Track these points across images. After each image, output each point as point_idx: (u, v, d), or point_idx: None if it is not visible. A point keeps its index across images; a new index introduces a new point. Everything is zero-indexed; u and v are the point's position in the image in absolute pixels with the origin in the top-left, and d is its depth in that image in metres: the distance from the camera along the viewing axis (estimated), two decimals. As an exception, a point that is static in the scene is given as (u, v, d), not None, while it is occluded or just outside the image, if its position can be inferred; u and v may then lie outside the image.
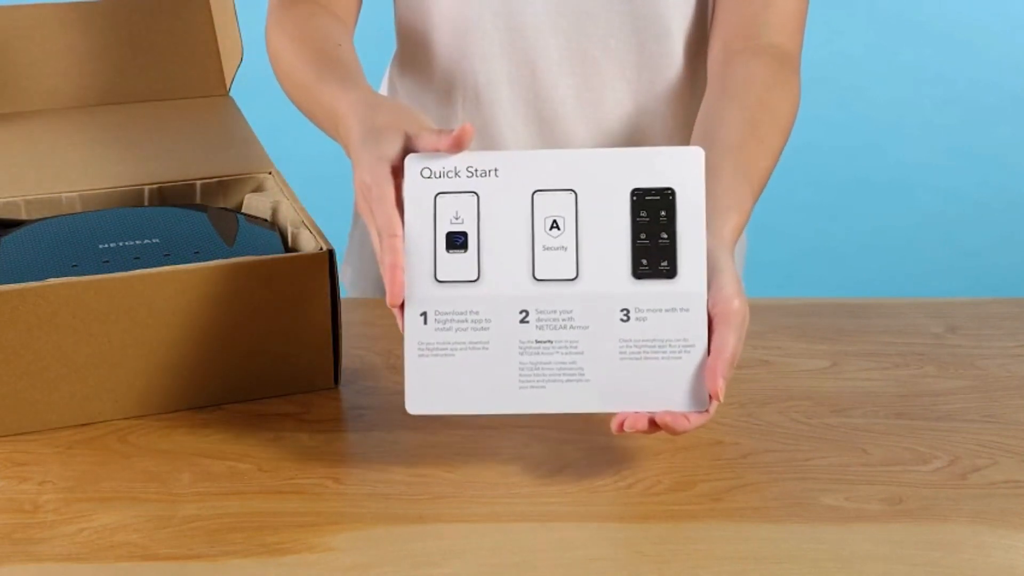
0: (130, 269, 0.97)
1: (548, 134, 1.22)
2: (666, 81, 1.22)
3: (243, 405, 1.02)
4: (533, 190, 0.90)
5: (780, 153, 1.10)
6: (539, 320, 0.89)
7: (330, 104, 1.01)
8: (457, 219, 0.90)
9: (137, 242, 1.03)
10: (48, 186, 1.12)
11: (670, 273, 0.89)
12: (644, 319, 0.89)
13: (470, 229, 0.90)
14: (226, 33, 1.32)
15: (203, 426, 0.99)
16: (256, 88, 1.61)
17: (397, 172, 0.90)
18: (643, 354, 0.89)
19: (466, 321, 0.90)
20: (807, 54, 1.24)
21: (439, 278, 0.89)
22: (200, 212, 1.08)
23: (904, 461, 0.96)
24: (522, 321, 0.90)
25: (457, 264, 0.90)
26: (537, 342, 0.89)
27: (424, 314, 0.89)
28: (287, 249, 1.05)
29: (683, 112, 1.23)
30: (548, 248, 0.90)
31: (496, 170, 0.90)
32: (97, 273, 0.96)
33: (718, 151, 1.04)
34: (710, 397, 0.88)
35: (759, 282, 1.48)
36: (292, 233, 1.05)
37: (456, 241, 0.90)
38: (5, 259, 1.00)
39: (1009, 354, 1.11)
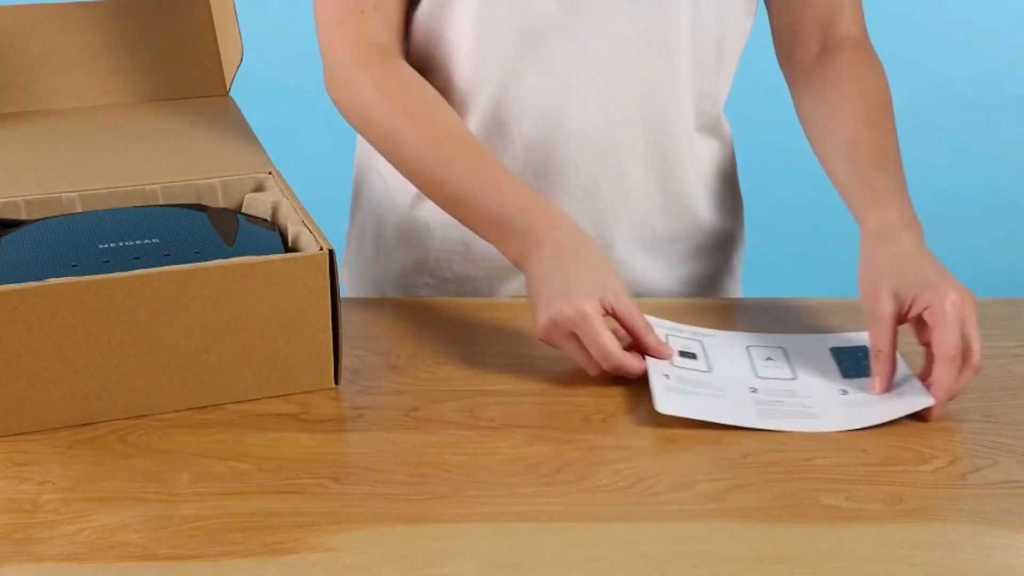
0: (130, 269, 0.96)
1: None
2: (677, 65, 1.21)
3: (243, 405, 1.02)
4: (747, 345, 1.10)
5: (895, 126, 1.16)
6: (768, 392, 1.04)
7: (508, 210, 1.08)
8: (686, 348, 1.08)
9: (137, 242, 1.03)
10: (48, 186, 1.12)
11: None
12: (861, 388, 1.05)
13: (698, 353, 1.08)
14: (226, 33, 1.32)
15: (203, 426, 0.99)
16: (256, 88, 1.61)
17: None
18: (865, 402, 1.03)
19: (701, 385, 1.03)
20: (806, 54, 1.25)
21: (675, 364, 1.05)
22: (200, 212, 1.08)
23: (904, 461, 0.96)
24: (752, 391, 1.04)
25: (690, 364, 1.06)
26: (769, 401, 1.02)
27: (667, 375, 1.03)
28: (287, 249, 1.05)
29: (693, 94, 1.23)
30: (766, 363, 1.08)
31: (714, 335, 1.11)
32: (97, 273, 0.96)
33: (838, 154, 1.13)
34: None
35: (759, 282, 1.48)
36: (292, 233, 1.05)
37: (687, 353, 1.07)
38: (5, 259, 1.00)
39: (1009, 354, 1.11)
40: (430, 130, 1.13)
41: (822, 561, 0.85)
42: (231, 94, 1.34)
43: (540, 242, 1.06)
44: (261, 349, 1.01)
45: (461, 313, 1.17)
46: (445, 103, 1.15)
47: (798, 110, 1.23)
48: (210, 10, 1.34)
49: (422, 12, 1.19)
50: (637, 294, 1.27)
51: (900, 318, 1.03)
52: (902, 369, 1.04)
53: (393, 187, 1.29)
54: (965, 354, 1.00)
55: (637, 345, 1.05)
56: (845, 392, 1.04)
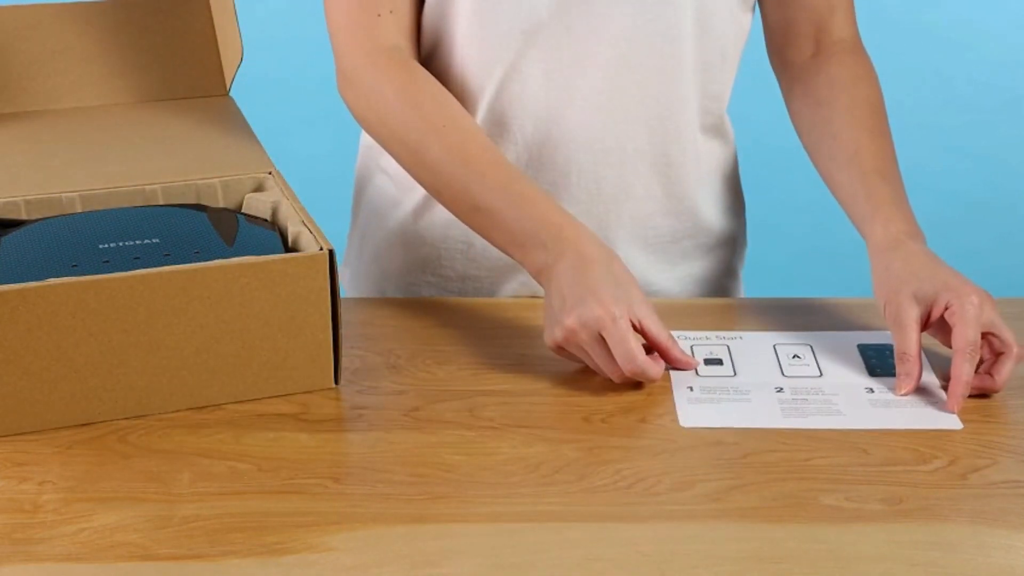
0: (130, 269, 0.96)
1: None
2: (680, 58, 1.21)
3: (243, 405, 1.02)
4: (774, 343, 1.11)
5: (891, 131, 1.18)
6: (794, 391, 1.04)
7: (534, 222, 1.07)
8: (712, 355, 1.09)
9: (137, 242, 1.03)
10: (48, 186, 1.12)
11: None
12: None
13: (724, 358, 1.09)
14: (226, 33, 1.32)
15: (203, 426, 0.99)
16: (256, 88, 1.61)
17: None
18: (892, 403, 1.03)
19: (726, 391, 1.04)
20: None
21: (700, 374, 1.07)
22: (200, 212, 1.08)
23: (904, 461, 0.96)
24: (778, 391, 1.05)
25: (715, 371, 1.07)
26: (793, 400, 1.03)
27: (690, 387, 1.05)
28: (287, 249, 1.05)
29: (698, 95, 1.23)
30: (792, 362, 1.08)
31: (740, 337, 1.12)
32: (97, 273, 0.96)
33: (839, 163, 1.15)
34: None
35: (759, 282, 1.48)
36: (292, 233, 1.05)
37: (713, 360, 1.08)
38: (5, 259, 1.00)
39: (1009, 354, 1.11)
40: (453, 140, 1.12)
41: (822, 561, 0.85)
42: (231, 94, 1.34)
43: (564, 253, 1.05)
44: (261, 349, 1.01)
45: (461, 313, 1.17)
46: (465, 112, 1.15)
47: (791, 111, 1.24)
48: (210, 10, 1.34)
49: (426, 12, 1.19)
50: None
51: (924, 321, 1.04)
52: (928, 376, 1.06)
53: (401, 186, 1.28)
54: (1002, 346, 1.04)
55: (664, 359, 1.05)
56: (871, 391, 1.05)
